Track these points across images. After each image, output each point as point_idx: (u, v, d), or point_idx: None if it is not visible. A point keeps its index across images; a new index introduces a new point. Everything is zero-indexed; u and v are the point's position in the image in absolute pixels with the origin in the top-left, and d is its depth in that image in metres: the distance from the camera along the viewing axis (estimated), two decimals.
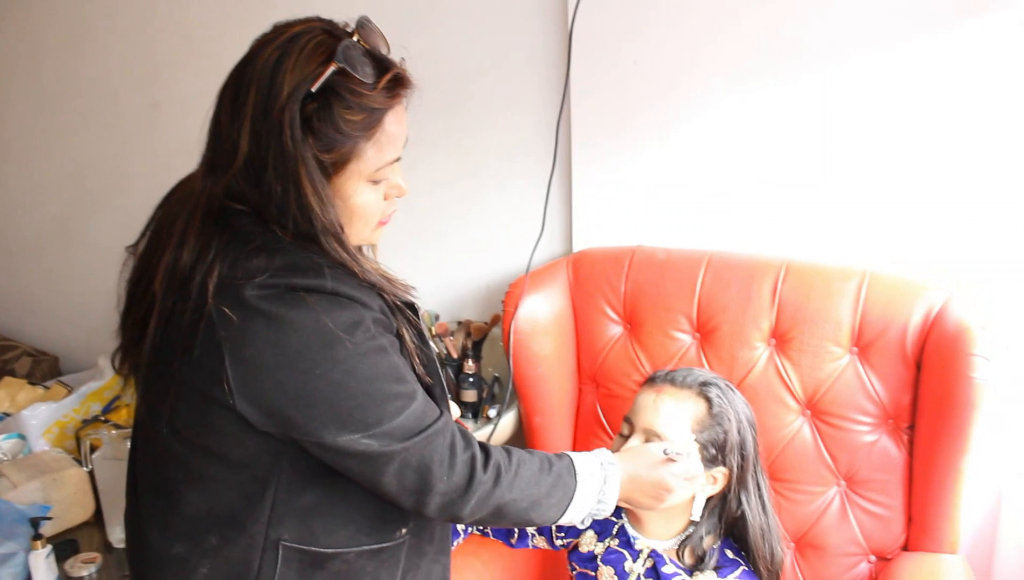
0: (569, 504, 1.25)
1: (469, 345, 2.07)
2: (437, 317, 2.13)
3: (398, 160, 1.14)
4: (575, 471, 1.26)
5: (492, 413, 2.02)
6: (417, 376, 1.18)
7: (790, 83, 1.80)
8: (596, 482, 1.28)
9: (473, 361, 2.05)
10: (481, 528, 1.67)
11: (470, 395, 2.04)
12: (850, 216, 1.81)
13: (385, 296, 1.15)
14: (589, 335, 1.92)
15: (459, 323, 2.15)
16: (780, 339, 1.73)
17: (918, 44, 1.70)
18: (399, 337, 1.16)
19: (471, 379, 2.04)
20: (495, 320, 2.09)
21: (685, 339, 1.82)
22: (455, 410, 1.59)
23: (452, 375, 2.06)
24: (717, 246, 1.88)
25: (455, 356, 2.07)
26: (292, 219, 1.06)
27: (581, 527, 1.40)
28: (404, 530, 1.22)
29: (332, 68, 1.03)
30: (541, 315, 1.88)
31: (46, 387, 2.51)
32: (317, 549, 1.14)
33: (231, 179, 1.06)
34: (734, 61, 1.84)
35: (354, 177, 1.09)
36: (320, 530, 1.14)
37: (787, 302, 1.72)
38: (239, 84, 1.06)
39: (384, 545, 1.20)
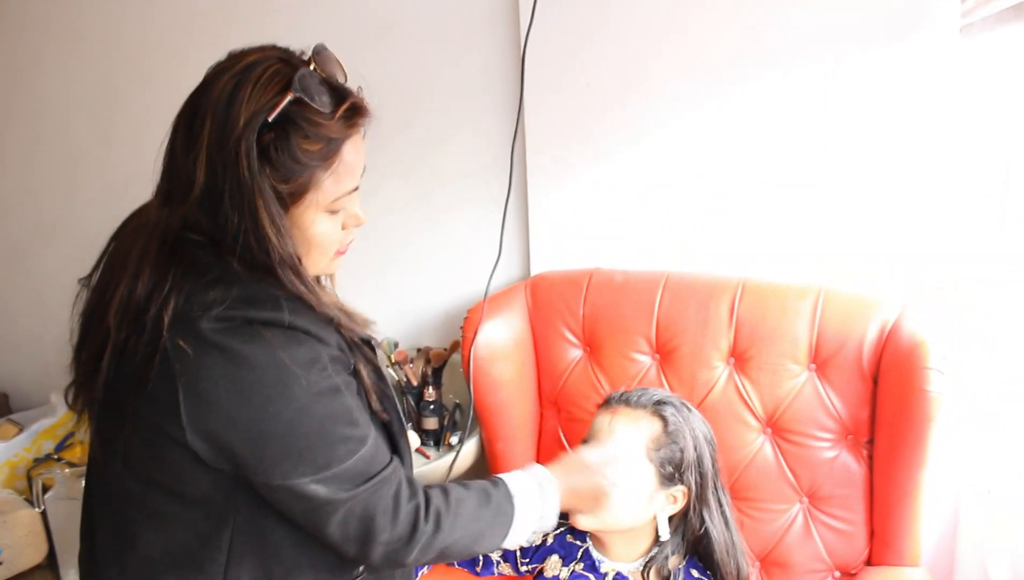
0: (509, 530, 1.24)
1: (429, 372, 2.05)
2: (396, 345, 2.11)
3: (356, 189, 1.13)
4: (512, 497, 1.25)
5: (454, 440, 2.00)
6: (374, 412, 1.17)
7: (739, 103, 1.82)
8: (535, 503, 1.26)
9: (434, 388, 2.03)
10: None
11: (431, 423, 2.02)
12: (807, 233, 1.83)
13: (343, 331, 1.13)
14: (549, 359, 1.92)
15: (418, 350, 2.13)
16: (739, 358, 1.74)
17: (861, 58, 1.73)
18: (356, 374, 1.15)
19: (432, 406, 2.02)
20: (454, 346, 2.08)
21: (645, 361, 1.82)
22: (415, 439, 1.59)
23: (413, 403, 2.05)
24: (674, 267, 1.89)
25: (415, 384, 2.05)
26: (249, 250, 1.04)
27: (527, 544, 1.39)
28: (361, 567, 1.20)
29: (289, 97, 1.01)
30: (500, 340, 1.87)
31: None
32: None
33: (187, 210, 1.04)
34: (683, 82, 1.86)
35: (312, 207, 1.07)
36: (279, 571, 1.13)
37: (744, 321, 1.73)
38: (194, 114, 1.04)
39: None
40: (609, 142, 1.95)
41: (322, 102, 1.04)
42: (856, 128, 1.75)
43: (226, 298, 1.02)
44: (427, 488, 1.19)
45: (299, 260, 1.08)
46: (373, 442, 1.11)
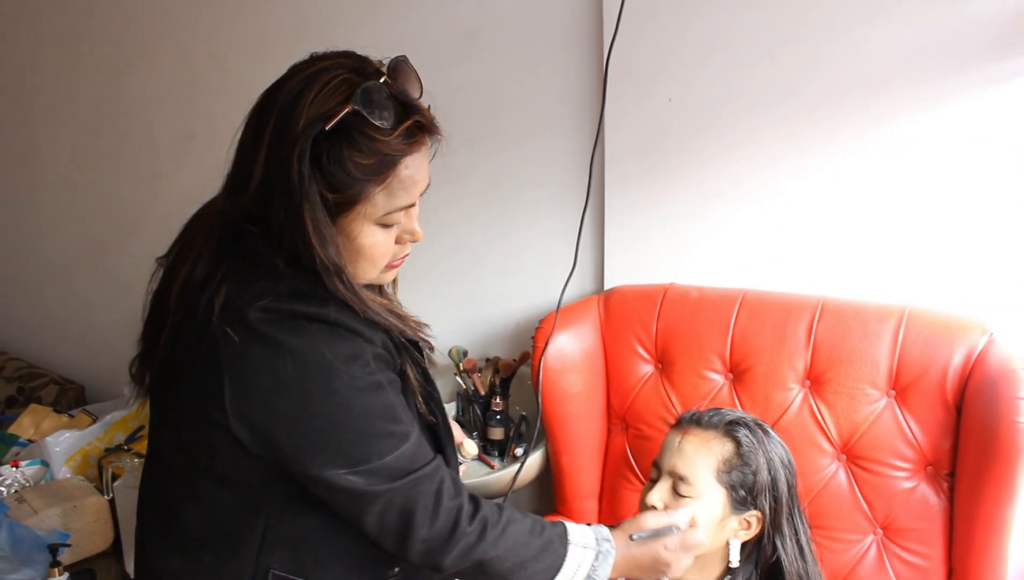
0: (557, 573, 1.20)
1: (497, 382, 2.04)
2: (465, 353, 2.10)
3: (412, 206, 1.12)
4: (567, 540, 1.22)
5: (519, 452, 1.99)
6: (419, 414, 1.18)
7: (825, 121, 1.79)
8: (588, 556, 1.23)
9: (501, 398, 2.02)
10: None
11: (497, 433, 2.01)
12: (892, 253, 1.78)
13: (391, 333, 1.15)
14: (620, 374, 1.89)
15: (487, 360, 2.12)
16: (815, 380, 1.70)
17: (954, 82, 1.68)
18: (402, 375, 1.16)
19: (499, 416, 2.01)
20: (524, 357, 2.06)
21: (717, 379, 1.79)
22: (473, 448, 1.57)
23: (479, 412, 2.04)
24: (751, 285, 1.85)
25: (483, 393, 2.04)
26: (295, 251, 1.05)
27: None
28: (397, 568, 1.20)
29: (347, 109, 1.01)
30: (571, 352, 1.85)
31: (71, 415, 2.51)
32: None
33: (247, 202, 1.06)
34: (769, 99, 1.83)
35: (360, 218, 1.07)
36: (310, 563, 1.14)
37: (823, 342, 1.69)
38: (263, 110, 1.06)
39: None
40: (690, 158, 1.92)
41: (382, 116, 1.03)
42: (951, 146, 1.70)
43: (274, 290, 1.05)
44: (480, 499, 1.18)
45: (343, 268, 1.08)
46: (415, 440, 1.12)
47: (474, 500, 1.16)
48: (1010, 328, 1.63)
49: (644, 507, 1.42)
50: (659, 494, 1.41)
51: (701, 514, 1.38)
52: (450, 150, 2.17)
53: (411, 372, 1.17)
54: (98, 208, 2.96)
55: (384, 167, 1.04)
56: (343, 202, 1.05)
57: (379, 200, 1.06)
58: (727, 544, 1.42)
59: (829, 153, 1.80)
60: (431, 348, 1.24)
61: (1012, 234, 1.69)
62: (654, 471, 1.47)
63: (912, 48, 1.70)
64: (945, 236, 1.73)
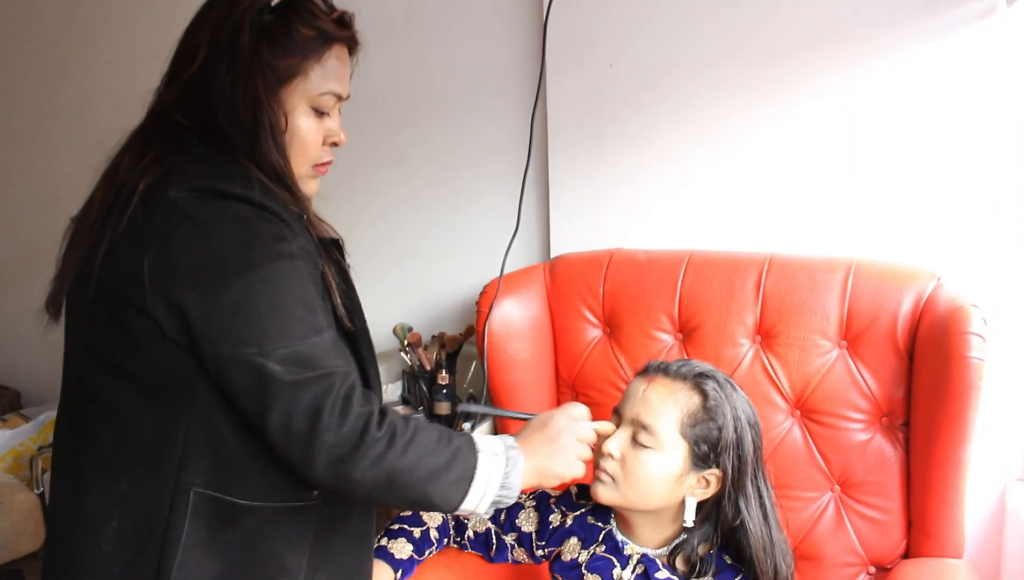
0: (471, 484, 1.12)
1: (443, 357, 1.99)
2: (410, 329, 2.05)
3: (340, 101, 1.18)
4: (476, 448, 1.14)
5: (466, 426, 1.93)
6: (338, 318, 1.15)
7: (767, 79, 1.78)
8: (499, 465, 1.15)
9: (447, 373, 1.96)
10: (459, 540, 1.56)
11: (443, 407, 1.96)
12: (836, 209, 1.77)
13: (311, 229, 1.14)
14: (567, 340, 1.84)
15: (433, 337, 2.07)
16: (766, 335, 1.66)
17: (894, 36, 1.69)
18: (322, 275, 1.13)
19: (444, 391, 1.95)
20: (469, 331, 2.02)
21: (667, 339, 1.74)
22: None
23: (425, 388, 1.98)
24: (699, 246, 1.82)
25: (428, 368, 1.99)
26: (235, 116, 1.08)
27: (486, 516, 1.25)
28: (316, 491, 1.14)
29: None
30: (516, 318, 1.80)
31: (4, 419, 2.43)
32: (230, 499, 1.08)
33: (183, 85, 1.10)
34: (711, 60, 1.82)
35: (298, 93, 1.12)
36: (232, 479, 1.08)
37: (772, 295, 1.65)
38: (204, 10, 1.14)
39: (296, 504, 1.13)
40: (633, 121, 1.90)
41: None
42: (893, 98, 1.70)
43: (200, 173, 1.05)
44: (385, 407, 1.11)
45: (282, 132, 1.11)
46: (330, 340, 1.07)
47: (382, 409, 1.09)
48: (958, 274, 1.62)
49: (600, 455, 1.36)
50: (617, 442, 1.34)
51: (661, 467, 1.33)
52: (393, 128, 2.14)
53: (330, 272, 1.15)
54: (34, 212, 2.87)
55: (321, 43, 1.12)
56: (287, 71, 1.10)
57: (314, 78, 1.12)
58: (683, 502, 1.36)
59: (772, 111, 1.79)
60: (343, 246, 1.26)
61: (954, 183, 1.68)
62: (614, 418, 1.39)
63: (851, 5, 1.70)
64: (891, 189, 1.73)
